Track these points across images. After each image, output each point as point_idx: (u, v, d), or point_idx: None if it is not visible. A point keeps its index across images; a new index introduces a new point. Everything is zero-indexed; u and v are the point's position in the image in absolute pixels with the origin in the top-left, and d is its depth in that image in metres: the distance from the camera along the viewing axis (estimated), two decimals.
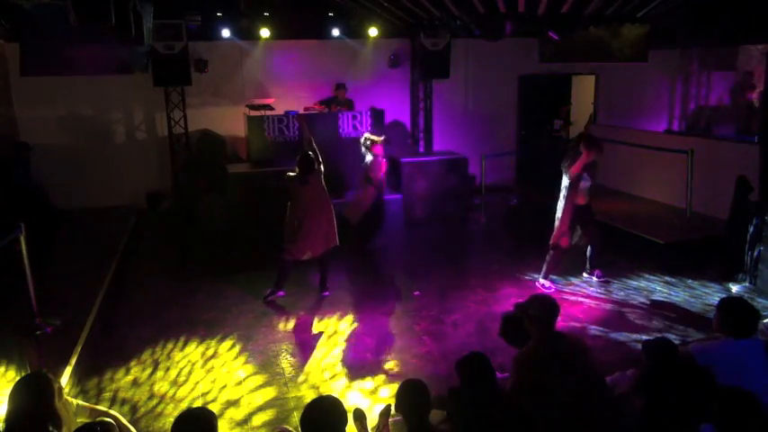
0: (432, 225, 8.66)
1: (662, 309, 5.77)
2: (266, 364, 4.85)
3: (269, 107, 8.83)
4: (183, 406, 4.23)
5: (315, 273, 6.37)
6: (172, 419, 3.50)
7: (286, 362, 4.91)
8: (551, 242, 6.15)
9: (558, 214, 6.08)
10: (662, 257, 6.84)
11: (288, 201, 6.05)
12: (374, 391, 4.43)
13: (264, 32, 9.35)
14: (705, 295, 6.03)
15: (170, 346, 5.19)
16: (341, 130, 8.90)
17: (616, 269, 6.65)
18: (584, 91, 11.34)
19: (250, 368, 4.80)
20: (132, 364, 4.88)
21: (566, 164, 5.96)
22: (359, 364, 4.85)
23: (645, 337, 4.78)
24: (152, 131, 9.72)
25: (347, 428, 2.65)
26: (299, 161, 5.89)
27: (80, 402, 3.19)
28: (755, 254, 6.05)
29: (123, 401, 4.34)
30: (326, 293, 6.24)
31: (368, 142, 7.34)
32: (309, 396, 4.29)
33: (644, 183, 9.09)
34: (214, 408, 4.10)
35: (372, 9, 8.35)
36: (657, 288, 6.28)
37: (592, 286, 6.35)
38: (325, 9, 9.48)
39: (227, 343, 5.22)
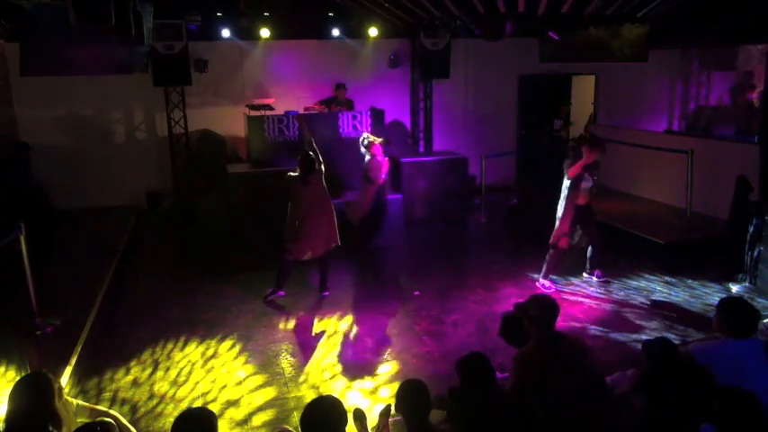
0: (432, 225, 8.66)
1: (662, 309, 5.78)
2: (266, 364, 4.85)
3: (269, 107, 8.83)
4: (183, 406, 4.23)
5: (315, 273, 6.37)
6: (172, 419, 3.50)
7: (286, 362, 4.91)
8: (551, 241, 6.15)
9: (559, 214, 6.09)
10: (662, 257, 6.84)
11: (288, 201, 6.05)
12: (374, 391, 4.43)
13: (264, 32, 9.35)
14: (705, 295, 6.04)
15: (170, 346, 5.19)
16: (341, 130, 8.90)
17: (616, 269, 6.65)
18: (584, 91, 11.34)
19: (250, 368, 4.80)
20: (132, 364, 4.88)
21: (566, 164, 5.97)
22: (359, 364, 4.85)
23: (645, 337, 4.79)
24: (152, 131, 9.72)
25: (347, 428, 2.65)
26: (300, 161, 5.88)
27: (80, 402, 3.19)
28: (755, 254, 6.05)
29: (123, 401, 4.34)
30: (326, 293, 6.24)
31: (366, 141, 7.34)
32: (309, 396, 4.29)
33: (644, 183, 9.09)
34: (214, 408, 4.10)
35: (372, 9, 8.35)
36: (657, 288, 6.28)
37: (592, 286, 6.35)
38: (325, 9, 9.48)
39: (227, 343, 5.23)
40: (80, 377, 4.61)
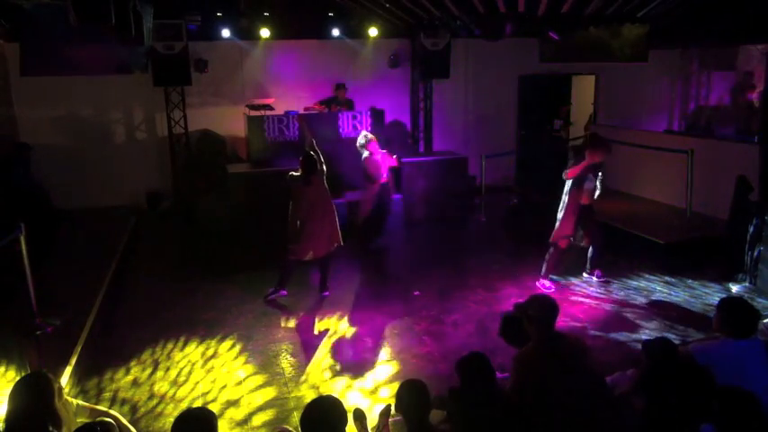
0: (432, 225, 8.66)
1: (662, 309, 5.78)
2: (266, 364, 4.85)
3: (269, 107, 8.83)
4: (183, 406, 4.23)
5: (315, 273, 6.37)
6: (172, 419, 3.51)
7: (286, 362, 4.91)
8: (551, 240, 6.16)
9: (560, 214, 6.08)
10: (662, 257, 6.84)
11: (290, 201, 6.05)
12: (374, 391, 4.43)
13: (264, 32, 9.36)
14: (705, 295, 6.04)
15: (170, 346, 5.19)
16: (341, 130, 8.90)
17: (616, 269, 6.65)
18: (584, 91, 11.33)
19: (250, 368, 4.80)
20: (132, 364, 4.88)
21: (569, 165, 5.98)
22: (359, 364, 4.85)
23: (645, 337, 4.79)
24: (152, 131, 9.72)
25: (347, 428, 2.65)
26: (301, 161, 5.88)
27: (80, 402, 3.19)
28: (755, 254, 6.05)
29: (123, 401, 4.34)
30: (326, 293, 6.24)
31: (363, 140, 7.37)
32: (309, 396, 4.29)
33: (644, 183, 9.09)
34: (214, 408, 4.10)
35: (372, 9, 8.36)
36: (657, 288, 6.28)
37: (592, 286, 6.35)
38: (326, 9, 9.48)
39: (227, 343, 5.23)
40: (80, 377, 4.61)
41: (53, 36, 7.26)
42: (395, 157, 7.59)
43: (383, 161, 7.48)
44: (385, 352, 5.05)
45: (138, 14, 6.63)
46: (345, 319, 5.71)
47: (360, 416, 3.00)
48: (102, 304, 5.71)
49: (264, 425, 4.04)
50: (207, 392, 4.45)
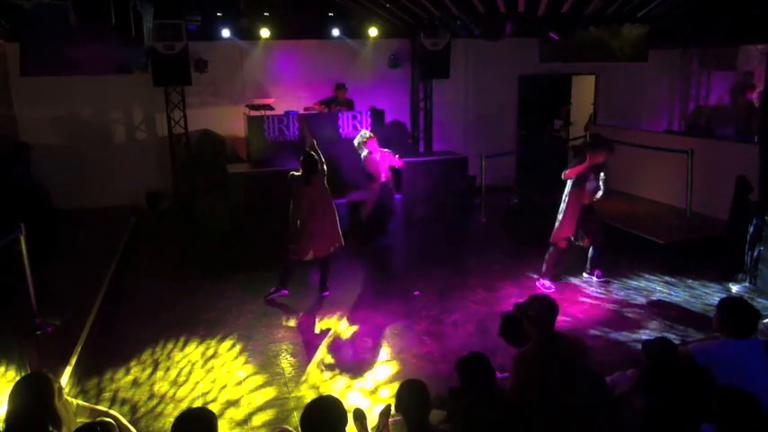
0: (432, 225, 8.66)
1: (662, 309, 5.78)
2: (266, 364, 4.85)
3: (269, 107, 8.83)
4: (183, 406, 4.23)
5: (315, 273, 6.37)
6: (172, 419, 3.50)
7: (286, 362, 4.91)
8: (551, 240, 6.15)
9: (560, 214, 6.07)
10: (662, 257, 6.84)
11: (290, 200, 6.05)
12: (374, 391, 4.43)
13: (264, 32, 9.36)
14: (705, 295, 6.03)
15: (170, 346, 5.19)
16: (341, 130, 8.90)
17: (616, 269, 6.65)
18: (584, 91, 11.34)
19: (250, 368, 4.80)
20: (132, 364, 4.88)
21: (570, 165, 5.99)
22: (359, 364, 4.85)
23: (645, 337, 4.79)
24: (152, 131, 9.72)
25: (347, 428, 2.65)
26: (302, 161, 5.88)
27: (80, 402, 3.19)
28: (755, 254, 6.05)
29: (123, 401, 4.34)
30: (326, 293, 6.24)
31: (359, 140, 7.37)
32: (309, 396, 4.29)
33: (644, 183, 9.09)
34: (214, 408, 4.10)
35: (372, 9, 8.36)
36: (657, 288, 6.28)
37: (592, 286, 6.35)
38: (326, 9, 9.48)
39: (227, 343, 5.23)
40: (80, 377, 4.61)
41: (53, 36, 7.25)
42: (397, 156, 7.57)
43: (382, 160, 7.47)
44: (385, 352, 5.05)
45: (138, 14, 6.64)
46: (345, 319, 5.71)
47: (360, 416, 3.00)
48: (102, 304, 5.71)
49: (264, 425, 4.04)
50: (207, 392, 4.45)
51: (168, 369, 4.80)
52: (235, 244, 7.75)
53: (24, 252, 4.97)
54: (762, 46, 10.31)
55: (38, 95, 8.90)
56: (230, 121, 9.66)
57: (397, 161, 7.62)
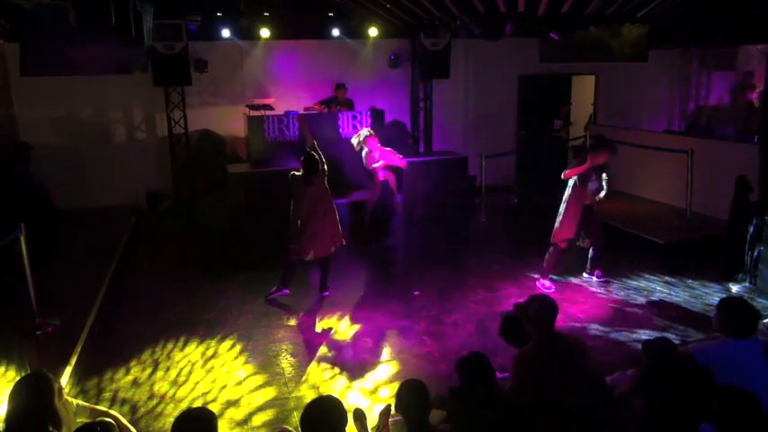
0: (432, 225, 8.66)
1: (662, 309, 5.78)
2: (266, 364, 4.85)
3: (269, 107, 8.83)
4: (183, 406, 4.23)
5: (315, 273, 6.37)
6: (172, 419, 3.50)
7: (286, 362, 4.91)
8: (552, 240, 6.15)
9: (561, 216, 6.06)
10: (662, 257, 6.84)
11: (291, 200, 6.05)
12: (374, 391, 4.43)
13: (264, 32, 9.36)
14: (705, 295, 6.03)
15: (170, 346, 5.19)
16: (341, 130, 8.91)
17: (616, 269, 6.64)
18: (584, 91, 11.34)
19: (250, 368, 4.80)
20: (132, 364, 4.88)
21: (571, 165, 5.98)
22: (359, 364, 4.85)
23: (645, 337, 4.78)
24: (152, 131, 9.72)
25: (347, 428, 2.65)
26: (303, 161, 5.89)
27: (80, 402, 3.19)
28: (755, 254, 6.05)
29: (123, 401, 4.34)
30: (326, 293, 6.24)
31: (357, 139, 7.38)
32: (309, 396, 4.29)
33: (644, 183, 9.10)
34: (214, 408, 4.10)
35: (372, 9, 8.36)
36: (657, 288, 6.28)
37: (592, 286, 6.35)
38: (325, 9, 9.48)
39: (227, 343, 5.23)
40: (80, 377, 4.61)
41: (53, 36, 7.26)
42: (399, 156, 7.55)
43: (382, 158, 7.47)
44: (385, 352, 5.05)
45: (138, 14, 6.64)
46: (345, 319, 5.71)
47: (360, 416, 3.00)
48: (102, 304, 5.71)
49: (264, 425, 4.04)
50: (207, 392, 4.45)
51: (168, 369, 4.80)
52: (235, 244, 7.75)
53: (24, 252, 4.97)
54: (762, 46, 10.31)
55: (38, 95, 8.90)
56: (230, 121, 9.67)
57: (398, 160, 7.61)
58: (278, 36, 9.52)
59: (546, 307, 3.43)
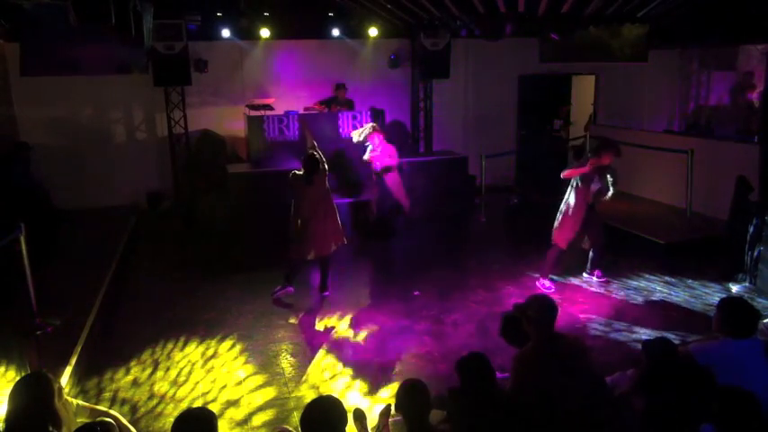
0: (432, 225, 8.65)
1: (662, 309, 5.78)
2: (266, 364, 4.85)
3: (269, 107, 8.83)
4: (183, 406, 4.23)
5: (315, 272, 6.37)
6: (172, 419, 3.50)
7: (286, 362, 4.91)
8: (553, 240, 6.14)
9: (562, 215, 6.06)
10: (662, 257, 6.84)
11: (292, 200, 6.05)
12: (374, 391, 4.43)
13: (264, 32, 9.36)
14: (705, 295, 6.03)
15: (170, 346, 5.19)
16: (341, 130, 8.90)
17: (616, 269, 6.64)
18: (584, 91, 11.33)
19: (250, 368, 4.80)
20: (132, 364, 4.88)
21: (572, 166, 5.98)
22: (359, 364, 4.85)
23: (645, 337, 4.79)
24: (152, 131, 9.72)
25: (347, 428, 2.65)
26: (304, 161, 5.89)
27: (80, 402, 3.19)
28: (755, 254, 6.04)
29: (123, 401, 4.34)
30: (326, 293, 6.24)
31: (357, 137, 7.37)
32: (309, 396, 4.29)
33: (644, 183, 9.09)
34: (214, 408, 4.10)
35: (372, 9, 8.35)
36: (657, 288, 6.28)
37: (592, 286, 6.35)
38: (325, 9, 9.48)
39: (227, 343, 5.23)
40: (80, 377, 4.61)
41: (53, 36, 7.26)
42: (390, 154, 7.48)
43: (382, 155, 7.45)
44: (385, 352, 5.05)
45: (138, 14, 6.63)
46: (345, 319, 5.71)
47: (360, 416, 3.00)
48: (102, 304, 5.72)
49: (264, 425, 4.04)
50: (207, 392, 4.45)
51: (168, 369, 4.80)
52: (235, 244, 7.75)
53: (24, 252, 4.97)
54: (762, 46, 10.31)
55: (38, 95, 8.89)
56: (230, 121, 9.67)
57: (388, 160, 7.56)
58: (278, 36, 9.52)
59: (546, 307, 3.43)
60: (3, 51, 8.61)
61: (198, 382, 4.59)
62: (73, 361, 4.57)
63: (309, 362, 4.89)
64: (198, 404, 4.25)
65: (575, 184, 5.97)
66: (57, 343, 4.87)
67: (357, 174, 8.28)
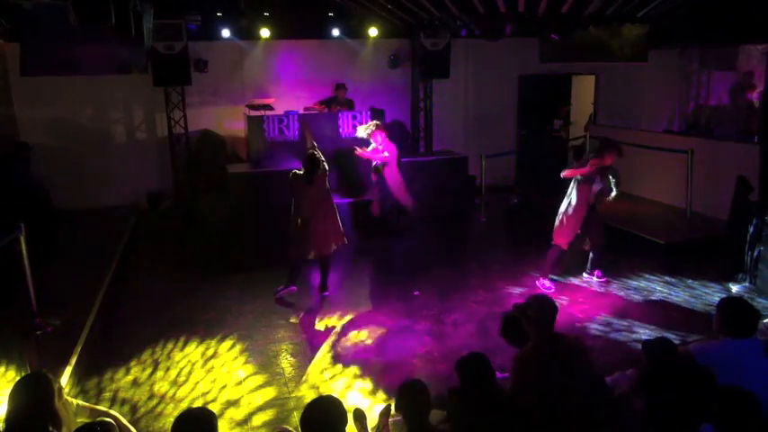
0: (432, 225, 8.65)
1: (662, 309, 5.78)
2: (266, 364, 4.85)
3: (269, 107, 8.84)
4: (183, 406, 4.23)
5: (315, 272, 6.37)
6: (172, 419, 3.50)
7: (286, 362, 4.91)
8: (553, 240, 6.14)
9: (563, 215, 6.05)
10: (662, 257, 6.84)
11: (292, 199, 6.05)
12: (374, 391, 4.43)
13: (264, 32, 9.36)
14: (705, 295, 6.03)
15: (170, 346, 5.19)
16: (341, 130, 8.91)
17: (616, 269, 6.64)
18: (584, 91, 11.33)
19: (250, 368, 4.80)
20: (132, 364, 4.88)
21: (569, 165, 5.98)
22: (359, 364, 4.84)
23: (645, 337, 4.79)
24: (152, 131, 9.73)
25: (347, 428, 2.65)
26: (305, 161, 5.90)
27: (80, 402, 3.19)
28: (755, 254, 6.04)
29: (123, 401, 4.34)
30: (326, 293, 6.24)
31: (365, 133, 7.36)
32: (309, 396, 4.29)
33: (644, 183, 9.09)
34: (214, 408, 4.10)
35: (372, 9, 8.35)
36: (657, 288, 6.28)
37: (592, 286, 6.35)
38: (325, 9, 9.48)
39: (227, 343, 5.23)
40: (80, 377, 4.61)
41: (53, 36, 7.25)
42: (386, 154, 7.46)
43: (384, 149, 7.45)
44: (385, 352, 5.05)
45: (138, 14, 6.62)
46: (345, 318, 5.71)
47: (360, 416, 3.00)
48: (102, 304, 5.71)
49: (264, 425, 4.04)
50: (207, 392, 4.46)
51: (168, 369, 4.80)
52: (235, 244, 7.75)
53: (24, 252, 4.97)
54: (762, 46, 10.31)
55: (38, 95, 8.89)
56: (230, 121, 9.68)
57: (387, 156, 7.53)
58: (278, 36, 9.52)
59: (545, 308, 3.43)
60: (3, 51, 8.61)
61: (198, 382, 4.59)
62: (73, 361, 4.57)
63: (309, 362, 4.89)
64: (198, 404, 4.25)
65: (576, 185, 5.96)
66: (57, 343, 4.87)
67: (357, 174, 8.28)
